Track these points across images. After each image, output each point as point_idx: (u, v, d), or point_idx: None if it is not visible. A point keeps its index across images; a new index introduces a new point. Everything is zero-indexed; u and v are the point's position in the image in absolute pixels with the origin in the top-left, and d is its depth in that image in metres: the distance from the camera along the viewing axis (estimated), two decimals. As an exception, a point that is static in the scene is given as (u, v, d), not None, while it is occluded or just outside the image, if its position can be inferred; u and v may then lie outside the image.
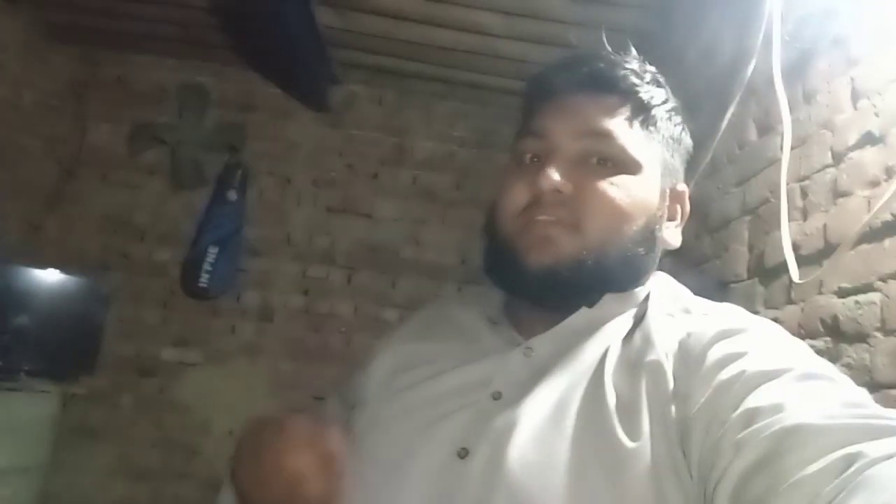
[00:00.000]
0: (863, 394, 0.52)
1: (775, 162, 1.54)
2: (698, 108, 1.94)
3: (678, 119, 0.75)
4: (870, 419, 0.45)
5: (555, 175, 0.66)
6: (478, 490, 0.59)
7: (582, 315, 0.69)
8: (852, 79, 1.28)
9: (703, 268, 1.83)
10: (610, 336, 0.67)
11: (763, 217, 1.56)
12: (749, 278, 1.60)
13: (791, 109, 1.43)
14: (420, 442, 0.64)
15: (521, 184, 0.70)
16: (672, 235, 0.74)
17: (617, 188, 0.68)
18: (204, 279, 2.61)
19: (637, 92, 0.71)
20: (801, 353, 0.58)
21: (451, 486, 0.60)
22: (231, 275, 2.68)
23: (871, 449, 0.41)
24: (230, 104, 2.78)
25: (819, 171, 1.35)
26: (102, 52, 2.76)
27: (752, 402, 0.51)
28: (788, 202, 1.41)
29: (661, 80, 0.75)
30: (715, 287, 1.72)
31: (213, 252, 2.62)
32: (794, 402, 0.49)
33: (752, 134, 1.67)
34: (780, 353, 0.56)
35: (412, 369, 0.73)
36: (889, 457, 0.40)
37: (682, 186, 0.76)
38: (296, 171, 2.81)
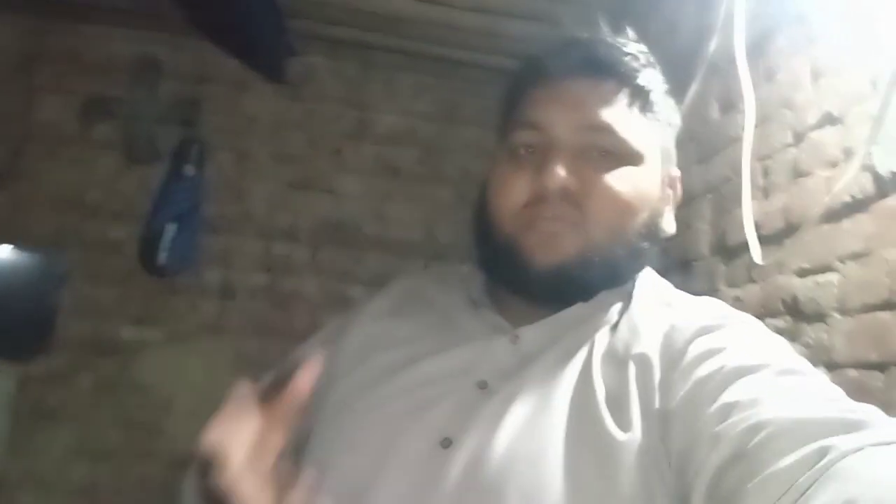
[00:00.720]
0: (836, 388, 0.53)
1: (737, 140, 1.54)
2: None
3: (672, 101, 0.74)
4: (843, 413, 0.46)
5: (561, 172, 0.64)
6: (461, 481, 0.58)
7: (577, 309, 0.68)
8: (812, 57, 1.29)
9: (664, 245, 1.84)
10: (597, 327, 0.67)
11: (725, 195, 1.57)
12: (711, 256, 1.62)
13: (752, 87, 1.44)
14: (401, 429, 0.62)
15: (521, 179, 0.67)
16: (668, 222, 0.73)
17: (622, 182, 0.66)
18: (163, 256, 2.54)
19: (636, 77, 0.69)
20: (779, 349, 0.59)
21: (433, 476, 0.59)
22: (191, 252, 2.61)
23: (843, 442, 0.42)
24: (185, 76, 2.68)
25: (780, 150, 1.36)
26: (50, 22, 2.63)
27: (729, 396, 0.51)
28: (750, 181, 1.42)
29: (654, 60, 0.72)
30: (677, 265, 1.74)
31: (171, 229, 2.55)
32: (771, 396, 0.49)
33: (715, 111, 1.67)
34: (758, 349, 0.57)
35: (389, 349, 0.71)
36: (859, 449, 0.41)
37: (675, 170, 0.74)
38: (255, 146, 2.73)
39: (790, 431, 0.45)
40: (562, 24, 2.36)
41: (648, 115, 0.69)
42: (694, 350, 0.58)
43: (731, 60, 1.58)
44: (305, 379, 0.55)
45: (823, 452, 0.42)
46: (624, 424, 0.57)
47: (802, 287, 1.25)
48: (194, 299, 2.64)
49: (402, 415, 0.63)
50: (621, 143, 0.67)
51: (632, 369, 0.61)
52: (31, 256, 2.30)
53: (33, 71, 2.61)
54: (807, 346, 1.21)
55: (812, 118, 1.26)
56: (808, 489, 0.40)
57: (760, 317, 1.35)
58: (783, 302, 1.30)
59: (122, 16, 2.61)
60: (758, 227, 1.38)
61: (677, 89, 1.85)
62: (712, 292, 1.58)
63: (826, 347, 1.17)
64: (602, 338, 0.65)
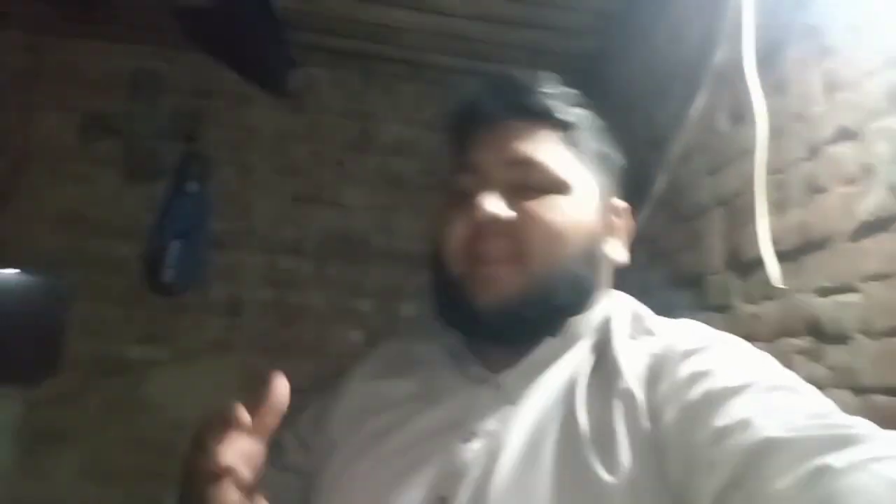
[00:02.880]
0: (826, 402, 0.53)
1: (749, 152, 1.50)
2: (667, 91, 1.90)
3: (603, 137, 0.76)
4: (834, 429, 0.47)
5: (488, 203, 0.67)
6: None
7: (547, 345, 0.69)
8: (826, 70, 1.25)
9: (676, 258, 1.80)
10: (575, 363, 0.67)
11: (738, 208, 1.53)
12: (725, 271, 1.58)
13: (763, 99, 1.40)
14: (397, 492, 0.63)
15: (460, 219, 0.69)
16: (617, 251, 0.75)
17: (550, 209, 0.68)
18: (168, 274, 2.53)
19: (559, 114, 0.72)
20: (764, 366, 0.59)
21: None
22: (196, 269, 2.59)
23: (838, 460, 0.43)
24: (185, 91, 2.66)
25: (794, 164, 1.32)
26: (47, 39, 2.61)
27: (719, 420, 0.52)
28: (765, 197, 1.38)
29: (584, 101, 0.76)
30: (689, 280, 1.70)
31: (175, 246, 2.53)
32: (760, 416, 0.50)
33: (724, 123, 1.63)
34: (743, 368, 0.57)
35: (380, 413, 0.71)
36: (855, 467, 0.42)
37: (618, 202, 0.76)
38: (257, 160, 2.71)
39: (784, 452, 0.46)
40: (571, 32, 2.33)
41: (576, 148, 0.72)
42: (679, 376, 0.59)
43: (741, 70, 1.54)
44: (278, 392, 0.59)
45: (819, 472, 0.42)
46: (612, 466, 0.57)
47: (823, 307, 1.21)
48: (201, 316, 2.62)
49: (396, 478, 0.64)
50: (546, 173, 0.69)
51: (617, 406, 0.60)
52: (35, 279, 2.27)
53: (32, 87, 2.60)
54: (831, 368, 1.18)
55: (827, 132, 1.22)
56: None
57: (780, 336, 1.33)
58: (803, 321, 1.27)
59: (121, 30, 2.59)
60: (774, 242, 1.34)
61: (683, 98, 1.83)
62: (727, 308, 1.54)
63: (851, 371, 1.13)
64: (583, 374, 0.66)
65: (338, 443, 0.72)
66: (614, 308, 0.72)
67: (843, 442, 0.45)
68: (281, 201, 2.71)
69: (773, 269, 1.23)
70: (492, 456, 0.61)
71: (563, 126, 0.72)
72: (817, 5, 1.27)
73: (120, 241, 2.56)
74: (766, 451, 0.46)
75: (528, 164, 0.70)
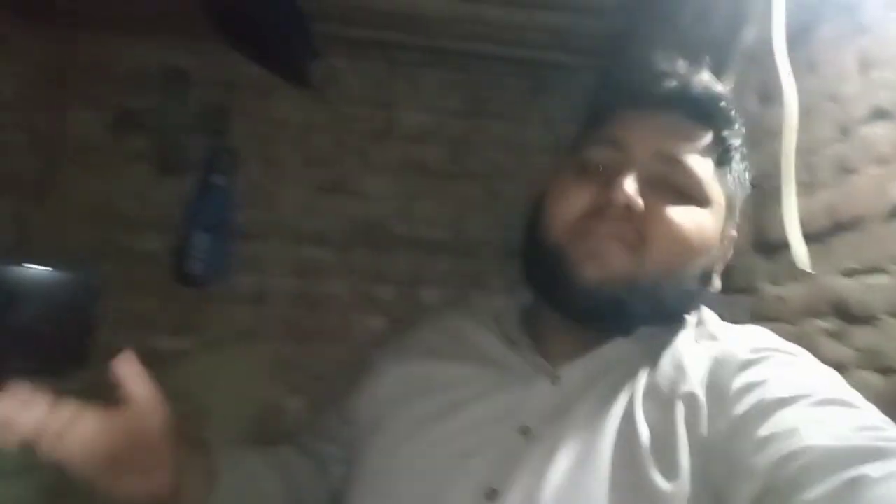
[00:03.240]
0: (881, 418, 0.51)
1: (778, 133, 1.48)
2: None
3: (747, 163, 0.73)
4: (877, 441, 0.45)
5: (631, 186, 0.63)
6: None
7: (616, 345, 0.67)
8: (860, 48, 1.22)
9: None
10: (639, 363, 0.64)
11: (766, 190, 1.51)
12: (752, 253, 1.57)
13: (794, 79, 1.37)
14: (445, 480, 0.61)
15: (584, 191, 0.66)
16: (717, 278, 0.72)
17: (688, 219, 0.65)
18: (195, 266, 2.57)
19: (723, 128, 0.69)
20: (822, 379, 0.57)
21: None
22: (223, 260, 2.63)
23: (875, 470, 0.42)
24: (212, 85, 2.68)
25: (825, 145, 1.30)
26: (79, 34, 2.65)
27: (766, 429, 0.51)
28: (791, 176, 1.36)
29: (739, 115, 0.72)
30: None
31: (203, 238, 2.57)
32: (807, 426, 0.49)
33: (754, 103, 1.61)
34: (799, 380, 0.56)
35: (429, 395, 0.69)
36: (891, 476, 0.41)
37: (734, 231, 0.74)
38: (283, 151, 2.73)
39: (822, 461, 0.45)
40: (594, 13, 2.31)
41: (725, 167, 0.69)
42: (736, 385, 0.57)
43: (771, 50, 1.52)
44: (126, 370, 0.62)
45: (854, 482, 0.42)
46: (670, 473, 0.55)
47: (850, 288, 1.20)
48: (228, 307, 2.66)
49: (446, 464, 0.62)
50: (696, 183, 0.66)
51: (679, 409, 0.59)
52: (67, 275, 2.32)
53: (63, 84, 2.64)
54: (857, 350, 1.16)
55: (860, 112, 1.20)
56: None
57: (805, 317, 1.32)
58: (829, 303, 1.25)
59: (149, 25, 2.62)
60: (801, 224, 1.32)
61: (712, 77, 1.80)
62: (752, 291, 1.53)
63: (878, 352, 1.12)
64: (644, 375, 0.63)
65: (383, 421, 0.70)
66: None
67: (884, 453, 0.44)
68: (305, 192, 2.73)
69: (800, 251, 1.21)
70: (548, 452, 0.60)
71: (722, 141, 0.69)
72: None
73: (150, 234, 2.61)
74: (804, 460, 0.46)
75: (679, 164, 0.66)
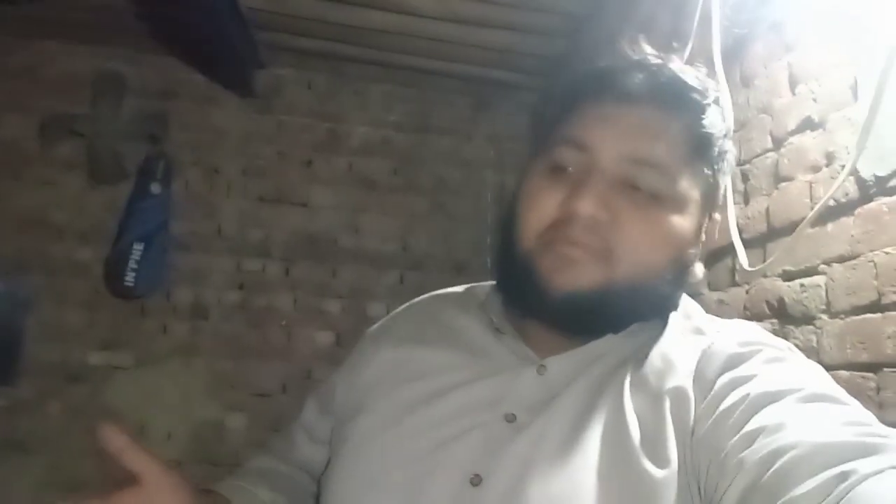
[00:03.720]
0: (866, 414, 0.51)
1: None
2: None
3: (730, 144, 0.68)
4: (865, 437, 0.45)
5: (592, 201, 0.60)
6: None
7: (605, 340, 0.65)
8: (789, 64, 1.30)
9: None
10: (626, 357, 0.64)
11: (704, 200, 1.58)
12: (692, 260, 1.63)
13: (730, 93, 1.45)
14: (429, 466, 0.60)
15: (551, 198, 0.63)
16: (698, 267, 0.69)
17: (657, 227, 0.62)
18: (130, 277, 2.48)
19: (696, 117, 0.64)
20: (810, 375, 0.57)
21: None
22: (159, 272, 2.55)
23: (864, 465, 0.42)
24: (149, 92, 2.62)
25: (760, 155, 1.38)
26: (7, 39, 2.54)
27: (754, 423, 0.51)
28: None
29: (720, 98, 0.67)
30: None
31: (138, 249, 2.48)
32: (795, 421, 0.49)
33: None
34: (787, 376, 0.55)
35: (414, 380, 0.67)
36: (880, 472, 0.41)
37: (717, 215, 0.69)
38: (223, 161, 2.68)
39: (810, 456, 0.45)
40: (539, 33, 2.37)
41: (704, 156, 0.64)
42: (723, 379, 0.57)
43: (706, 66, 1.59)
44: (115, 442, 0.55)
45: (843, 477, 0.41)
46: (661, 461, 0.55)
47: (788, 290, 1.26)
48: (165, 320, 2.57)
49: (430, 450, 0.61)
50: (667, 186, 0.62)
51: (667, 404, 0.58)
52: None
53: (-8, 88, 2.53)
54: (796, 348, 1.22)
55: (792, 123, 1.28)
56: None
57: (746, 319, 1.38)
58: (768, 304, 1.31)
59: (83, 31, 2.54)
60: (739, 230, 1.39)
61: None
62: (695, 296, 1.58)
63: (815, 349, 1.18)
64: (632, 369, 0.62)
65: (365, 407, 0.67)
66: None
67: (872, 449, 0.44)
68: (247, 202, 2.68)
69: (742, 253, 1.27)
70: (534, 440, 0.58)
71: (700, 132, 0.64)
72: (780, 2, 1.33)
73: (82, 244, 2.51)
74: (792, 455, 0.45)
75: (650, 168, 0.62)
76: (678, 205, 0.63)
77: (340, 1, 2.30)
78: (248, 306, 2.64)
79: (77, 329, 2.48)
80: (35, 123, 2.51)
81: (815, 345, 1.18)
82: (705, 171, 0.64)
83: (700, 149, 0.64)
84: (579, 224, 0.61)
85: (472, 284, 0.80)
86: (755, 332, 0.64)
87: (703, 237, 0.67)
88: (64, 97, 2.54)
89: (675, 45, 0.67)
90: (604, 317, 0.63)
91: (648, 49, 0.67)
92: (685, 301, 0.69)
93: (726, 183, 0.69)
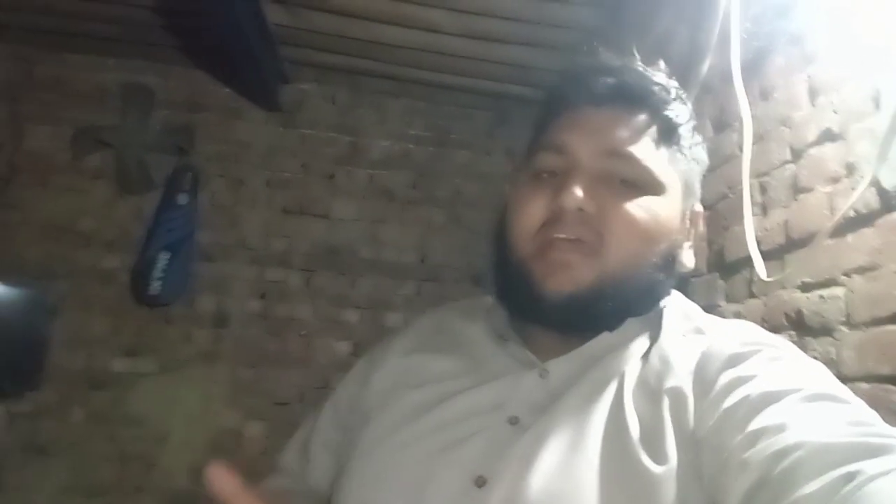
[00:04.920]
0: (869, 413, 0.52)
1: (732, 158, 1.57)
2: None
3: (699, 137, 0.72)
4: (870, 437, 0.46)
5: (579, 192, 0.63)
6: None
7: (603, 339, 0.67)
8: (809, 76, 1.31)
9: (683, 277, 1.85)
10: (626, 358, 0.65)
11: (721, 212, 1.58)
12: (709, 272, 1.63)
13: (749, 106, 1.46)
14: (435, 467, 0.61)
15: (538, 201, 0.66)
16: (687, 257, 0.72)
17: (641, 210, 0.65)
18: (155, 286, 2.53)
19: (664, 109, 0.68)
20: (811, 374, 0.58)
21: None
22: (184, 281, 2.59)
23: (870, 466, 0.42)
24: (177, 104, 2.68)
25: (778, 167, 1.38)
26: (38, 51, 2.62)
27: (757, 423, 0.51)
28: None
29: (684, 94, 0.71)
30: (677, 281, 1.74)
31: (164, 258, 2.53)
32: (799, 421, 0.49)
33: (708, 130, 1.69)
34: (788, 375, 0.56)
35: (420, 387, 0.69)
36: (886, 473, 0.41)
37: (698, 206, 0.73)
38: (248, 173, 2.73)
39: (817, 456, 0.45)
40: (556, 48, 2.40)
41: (674, 148, 0.68)
42: (724, 379, 0.58)
43: (725, 79, 1.60)
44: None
45: (850, 477, 0.42)
46: (660, 457, 0.56)
47: (807, 301, 1.26)
48: (188, 328, 2.61)
49: (436, 452, 0.62)
50: (643, 172, 0.66)
51: (666, 403, 0.59)
52: (20, 292, 2.26)
53: (21, 99, 2.60)
54: (815, 360, 1.22)
55: (811, 135, 1.28)
56: None
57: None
58: (787, 316, 1.31)
59: (112, 44, 2.62)
60: (758, 242, 1.39)
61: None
62: (712, 308, 1.58)
63: (834, 361, 1.17)
64: (632, 369, 0.64)
65: (372, 415, 0.69)
66: (666, 306, 0.69)
67: (877, 450, 0.44)
68: (270, 214, 2.73)
69: (760, 264, 1.27)
70: (536, 441, 0.59)
71: (666, 123, 0.68)
72: (800, 14, 1.34)
73: (109, 253, 2.56)
74: (798, 455, 0.46)
75: (625, 158, 0.66)
76: (657, 189, 0.66)
77: (359, 17, 2.34)
78: (269, 315, 2.67)
79: (101, 336, 2.52)
80: (64, 134, 2.57)
81: (834, 357, 1.18)
82: (678, 156, 0.68)
83: (668, 136, 0.67)
84: (568, 218, 0.64)
85: (478, 296, 0.82)
86: (755, 332, 0.65)
87: (688, 224, 0.71)
88: (93, 109, 2.61)
89: (634, 49, 0.71)
90: (599, 312, 0.65)
91: (607, 52, 0.72)
92: (683, 302, 0.71)
93: (697, 171, 0.72)
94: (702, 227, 0.73)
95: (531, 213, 0.66)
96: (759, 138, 1.44)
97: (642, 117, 0.67)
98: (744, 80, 1.46)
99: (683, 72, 1.77)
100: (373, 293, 2.73)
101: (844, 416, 0.50)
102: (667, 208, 0.66)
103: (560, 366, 0.66)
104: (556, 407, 0.62)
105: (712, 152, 1.62)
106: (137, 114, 2.62)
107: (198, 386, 2.56)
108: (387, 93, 2.83)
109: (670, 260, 0.68)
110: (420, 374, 0.71)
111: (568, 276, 0.63)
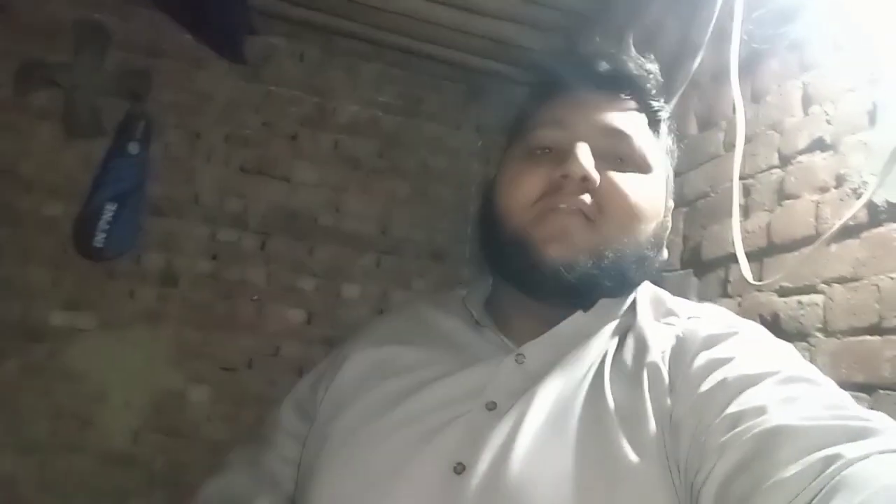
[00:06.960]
0: (844, 396, 0.53)
1: (716, 157, 1.58)
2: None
3: (673, 132, 0.77)
4: (848, 420, 0.47)
5: (586, 160, 0.65)
6: None
7: (576, 320, 0.68)
8: (804, 83, 1.32)
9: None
10: (603, 342, 0.66)
11: (700, 210, 1.60)
12: (683, 269, 1.65)
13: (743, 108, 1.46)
14: (412, 457, 0.60)
15: (536, 174, 0.68)
16: (664, 249, 0.75)
17: (637, 187, 0.67)
18: (100, 238, 2.39)
19: (653, 99, 0.72)
20: (785, 357, 0.59)
21: (447, 503, 0.57)
22: (131, 235, 2.46)
23: (849, 450, 0.43)
24: (135, 47, 2.52)
25: (764, 170, 1.39)
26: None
27: (735, 406, 0.52)
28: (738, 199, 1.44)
29: (666, 91, 0.76)
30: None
31: (110, 209, 2.39)
32: (776, 404, 0.50)
33: (693, 128, 1.70)
34: (764, 358, 0.57)
35: (395, 376, 0.69)
36: (866, 457, 0.42)
37: (671, 202, 0.76)
38: (206, 126, 2.60)
39: (796, 440, 0.46)
40: (539, 28, 2.36)
41: (658, 137, 0.73)
42: (701, 360, 0.59)
43: (715, 77, 1.61)
44: None
45: (830, 461, 0.42)
46: (639, 439, 0.56)
47: (784, 306, 1.28)
48: (132, 285, 2.49)
49: (413, 440, 0.62)
50: (638, 152, 0.69)
51: (645, 383, 0.60)
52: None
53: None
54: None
55: (802, 142, 1.29)
56: (815, 497, 0.41)
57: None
58: (762, 318, 1.33)
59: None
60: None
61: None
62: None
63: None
64: (608, 351, 0.65)
65: (347, 404, 0.69)
66: (638, 290, 0.71)
67: (857, 433, 0.45)
68: (227, 171, 2.61)
69: (745, 265, 1.28)
70: (514, 426, 0.60)
71: (653, 113, 0.72)
72: (803, 22, 1.34)
73: (52, 199, 2.40)
74: (778, 438, 0.46)
75: (621, 136, 0.69)
76: (649, 170, 0.69)
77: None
78: (220, 277, 2.57)
79: (40, 287, 2.38)
80: (10, 69, 2.38)
81: (808, 362, 1.20)
82: (660, 147, 0.73)
83: (655, 126, 0.72)
84: (570, 188, 0.66)
85: (454, 289, 0.83)
86: (728, 315, 0.67)
87: (667, 215, 0.74)
88: (42, 44, 2.42)
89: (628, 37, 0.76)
90: (596, 283, 0.66)
91: (600, 41, 0.77)
92: (654, 288, 0.74)
93: (672, 166, 0.77)
94: (670, 221, 0.76)
95: (530, 184, 0.68)
96: (746, 140, 1.45)
97: (633, 103, 0.71)
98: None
99: (671, 65, 1.76)
100: (330, 262, 2.66)
101: (822, 399, 0.51)
102: (657, 190, 0.70)
103: (536, 349, 0.67)
104: (534, 391, 0.62)
105: (695, 150, 1.64)
106: (91, 53, 2.45)
107: (140, 345, 2.45)
108: (360, 55, 2.73)
109: (658, 242, 0.71)
110: (395, 364, 0.71)
111: (568, 243, 0.65)
